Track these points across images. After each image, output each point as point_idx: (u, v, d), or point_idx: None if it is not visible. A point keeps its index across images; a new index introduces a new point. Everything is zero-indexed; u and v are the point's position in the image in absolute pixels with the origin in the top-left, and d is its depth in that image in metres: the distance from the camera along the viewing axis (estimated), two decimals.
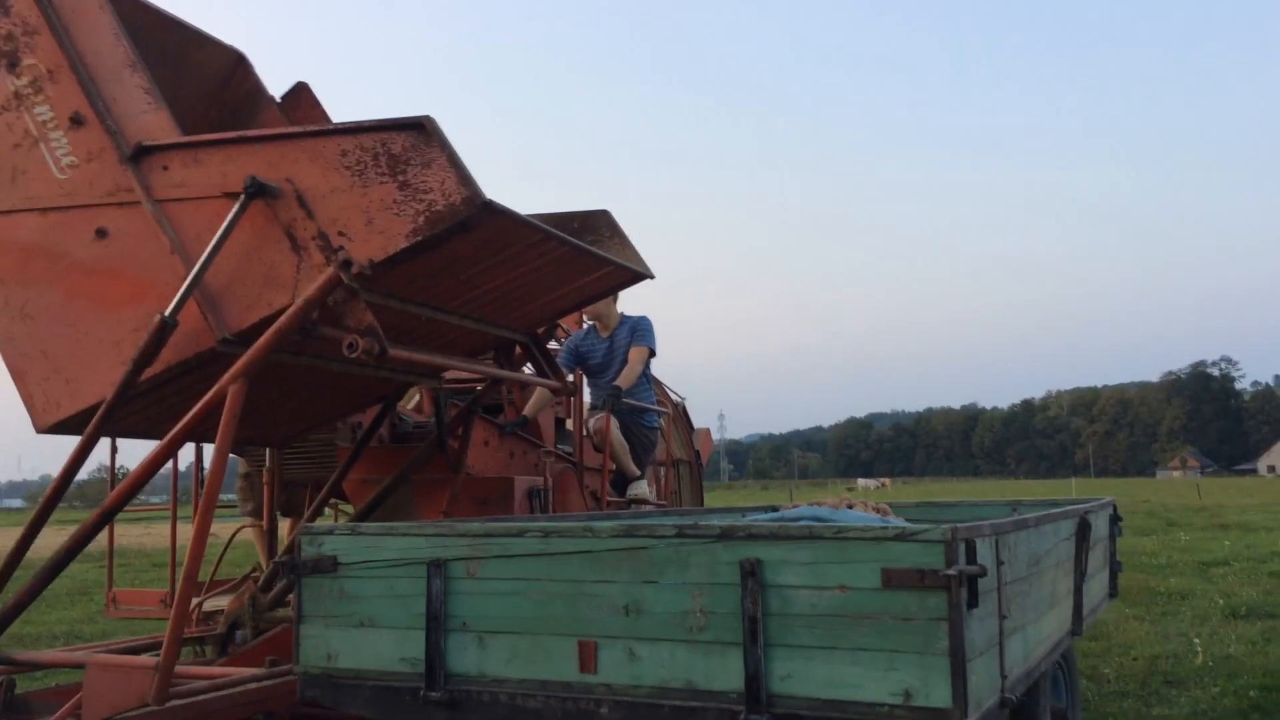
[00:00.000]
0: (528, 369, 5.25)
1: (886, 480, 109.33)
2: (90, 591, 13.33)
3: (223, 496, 7.14)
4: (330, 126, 3.82)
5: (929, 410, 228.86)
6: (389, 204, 3.56)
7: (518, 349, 4.93)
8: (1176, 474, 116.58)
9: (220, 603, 5.22)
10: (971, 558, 2.55)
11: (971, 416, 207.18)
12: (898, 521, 4.58)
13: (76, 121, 4.04)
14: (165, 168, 3.91)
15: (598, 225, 4.74)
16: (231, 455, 6.15)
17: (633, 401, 6.59)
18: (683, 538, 2.74)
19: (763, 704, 2.60)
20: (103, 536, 6.17)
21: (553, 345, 6.74)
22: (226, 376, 3.61)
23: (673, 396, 8.36)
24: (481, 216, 3.55)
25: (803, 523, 3.92)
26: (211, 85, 5.15)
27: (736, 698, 2.63)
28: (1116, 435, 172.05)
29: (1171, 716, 6.35)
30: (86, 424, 3.94)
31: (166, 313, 3.69)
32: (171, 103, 4.21)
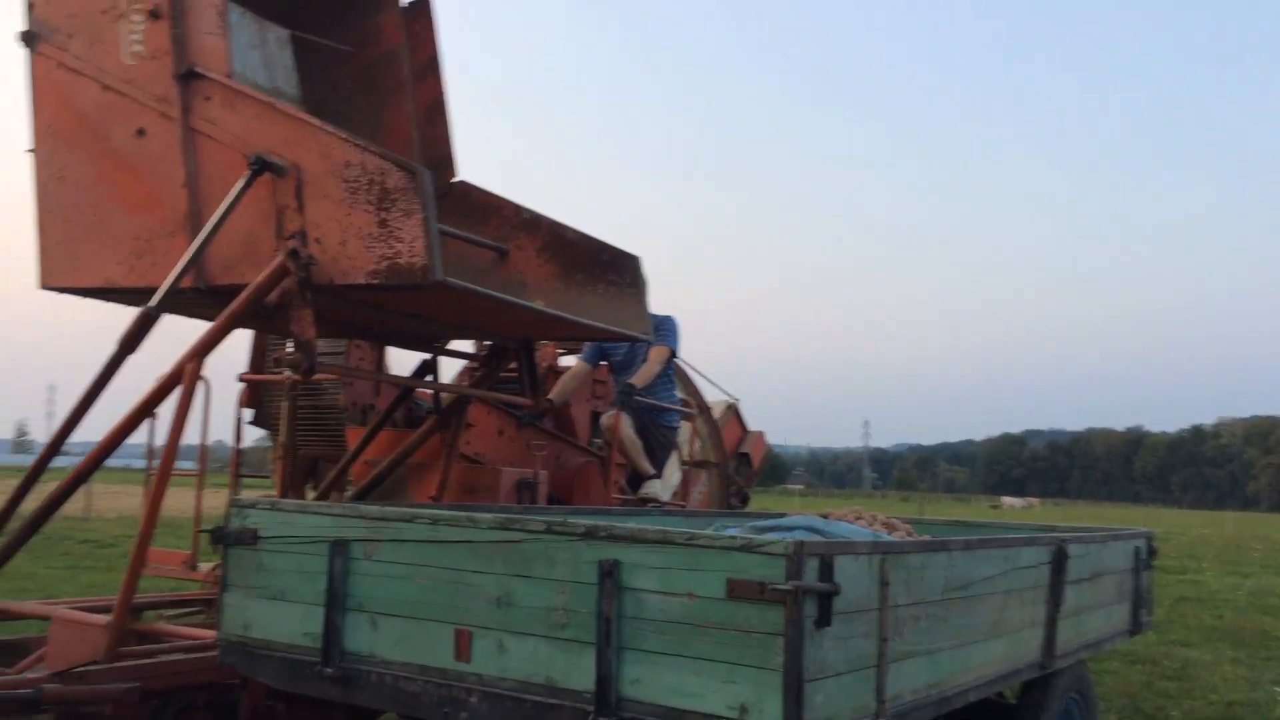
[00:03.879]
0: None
1: (1035, 500, 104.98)
2: None
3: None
4: (345, 135, 3.81)
5: (1089, 430, 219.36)
6: (364, 234, 3.59)
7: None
8: None
9: None
10: (827, 575, 2.46)
11: (1135, 439, 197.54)
12: (885, 537, 4.43)
13: (154, 15, 4.02)
14: (208, 98, 3.93)
15: (622, 268, 4.69)
16: (262, 430, 6.40)
17: (649, 400, 6.56)
18: (551, 533, 2.74)
19: (612, 706, 2.58)
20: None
21: None
22: (184, 356, 3.73)
23: (723, 397, 8.26)
24: (434, 287, 3.57)
25: (796, 532, 3.85)
26: None
27: (589, 698, 2.62)
28: None
29: None
30: (80, 297, 4.20)
31: (153, 303, 3.80)
32: None
